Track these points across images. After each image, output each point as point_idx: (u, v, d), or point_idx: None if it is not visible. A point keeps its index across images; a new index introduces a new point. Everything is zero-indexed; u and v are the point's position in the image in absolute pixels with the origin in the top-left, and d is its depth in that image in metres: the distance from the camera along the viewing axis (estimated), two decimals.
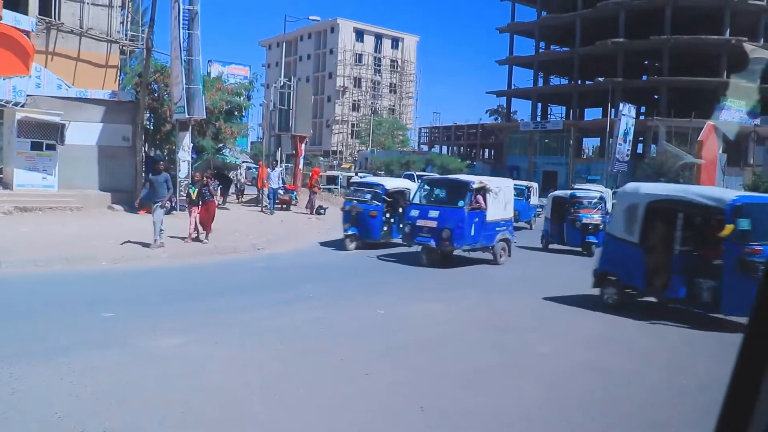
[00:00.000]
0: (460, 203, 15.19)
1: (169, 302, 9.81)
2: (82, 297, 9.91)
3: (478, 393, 6.30)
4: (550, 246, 20.91)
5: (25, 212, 18.81)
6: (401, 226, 16.73)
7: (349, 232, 17.38)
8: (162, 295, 10.42)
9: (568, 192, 22.16)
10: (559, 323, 10.00)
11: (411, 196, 17.32)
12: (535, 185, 29.46)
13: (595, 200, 20.60)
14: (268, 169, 26.40)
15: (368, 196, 17.74)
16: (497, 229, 16.08)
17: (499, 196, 16.11)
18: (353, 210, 17.42)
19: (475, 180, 16.01)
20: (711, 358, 8.08)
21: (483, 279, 14.55)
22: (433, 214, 15.26)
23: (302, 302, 10.44)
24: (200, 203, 16.14)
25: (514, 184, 26.85)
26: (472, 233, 15.10)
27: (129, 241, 14.89)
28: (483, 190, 15.63)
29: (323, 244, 18.57)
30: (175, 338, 7.56)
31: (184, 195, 18.95)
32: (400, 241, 17.17)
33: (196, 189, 16.41)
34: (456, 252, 16.20)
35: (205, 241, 16.11)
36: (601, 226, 19.04)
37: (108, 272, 12.12)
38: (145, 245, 14.54)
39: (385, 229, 17.69)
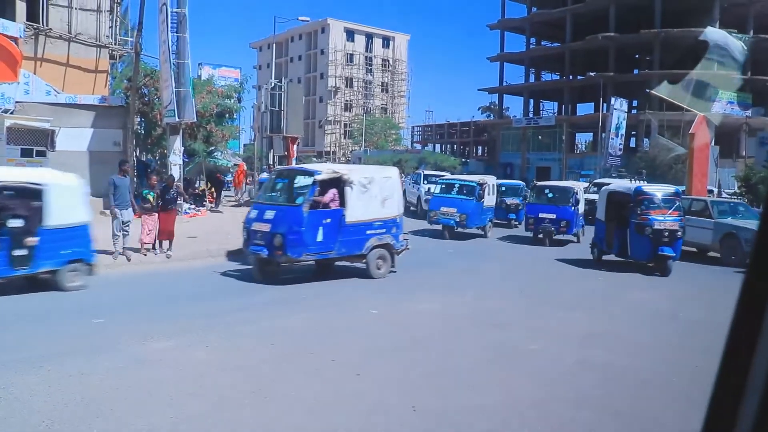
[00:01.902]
0: (299, 200, 12.15)
1: (160, 307, 9.77)
2: (73, 303, 9.85)
3: (470, 392, 6.27)
4: (605, 258, 16.42)
5: None
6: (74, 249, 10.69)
7: None
8: (153, 300, 10.36)
9: (632, 186, 17.36)
10: (552, 320, 9.98)
11: (48, 196, 10.39)
12: (492, 181, 23.41)
13: (670, 197, 15.27)
14: (263, 174, 25.84)
15: None
16: (368, 232, 12.68)
17: (371, 190, 12.74)
18: None
19: (323, 169, 12.63)
20: (706, 352, 8.06)
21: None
22: (269, 214, 12.08)
23: (294, 304, 10.42)
24: (159, 210, 14.17)
25: (462, 180, 22.76)
26: (319, 239, 11.90)
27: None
28: (339, 183, 12.37)
29: None
30: (166, 342, 7.52)
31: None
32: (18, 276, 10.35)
33: (155, 194, 14.19)
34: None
35: (169, 252, 14.40)
36: (680, 233, 14.60)
37: (99, 278, 12.03)
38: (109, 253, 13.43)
39: None
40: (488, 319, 9.73)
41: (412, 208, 27.82)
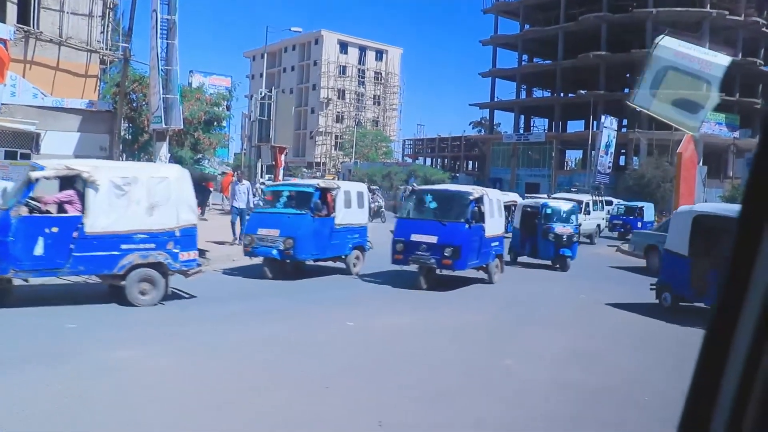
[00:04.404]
0: (10, 202, 9.48)
1: (134, 314, 9.63)
2: (49, 308, 9.69)
3: (439, 408, 6.19)
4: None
5: None
6: None
7: None
8: (128, 307, 10.17)
9: None
10: (529, 338, 9.92)
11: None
12: (355, 188, 16.16)
13: None
14: (234, 184, 24.81)
15: None
16: (125, 247, 9.92)
17: (131, 194, 9.98)
18: None
19: (50, 165, 9.92)
20: (684, 373, 8.00)
21: None
22: None
23: (268, 314, 10.31)
24: None
25: (292, 186, 16.09)
26: (39, 252, 9.23)
27: None
28: (79, 183, 9.87)
29: None
30: (135, 350, 7.41)
31: None
32: None
33: None
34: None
35: None
36: None
37: (78, 282, 11.88)
38: None
39: None
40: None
41: None
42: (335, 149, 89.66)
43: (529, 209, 19.19)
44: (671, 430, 1.17)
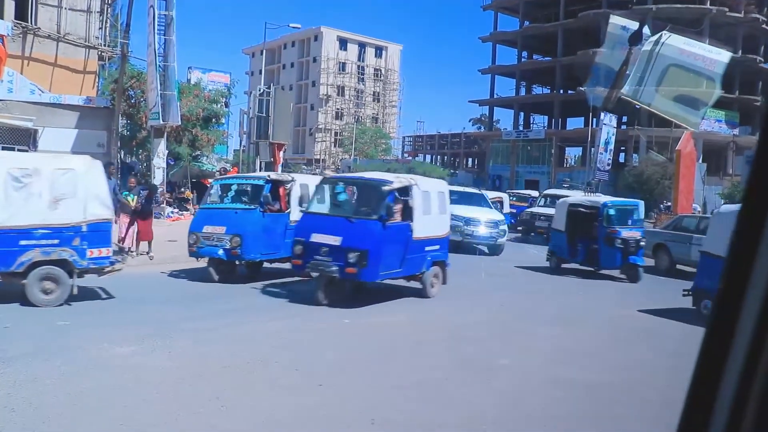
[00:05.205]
0: None
1: (127, 311, 9.59)
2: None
3: (432, 406, 6.16)
4: None
5: None
6: None
7: None
8: (121, 304, 10.13)
9: None
10: (524, 335, 9.88)
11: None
12: (310, 180, 14.74)
13: None
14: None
15: None
16: (24, 243, 9.23)
17: (32, 187, 9.27)
18: None
19: None
20: (683, 372, 7.96)
21: None
22: None
23: (264, 312, 10.25)
24: (138, 217, 14.20)
25: (241, 179, 15.33)
26: None
27: None
28: None
29: None
30: (128, 347, 7.37)
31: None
32: None
33: (134, 197, 14.08)
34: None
35: (151, 254, 14.51)
36: None
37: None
38: None
39: None
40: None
41: None
42: (335, 146, 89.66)
43: (581, 209, 16.54)
44: (672, 428, 1.17)
